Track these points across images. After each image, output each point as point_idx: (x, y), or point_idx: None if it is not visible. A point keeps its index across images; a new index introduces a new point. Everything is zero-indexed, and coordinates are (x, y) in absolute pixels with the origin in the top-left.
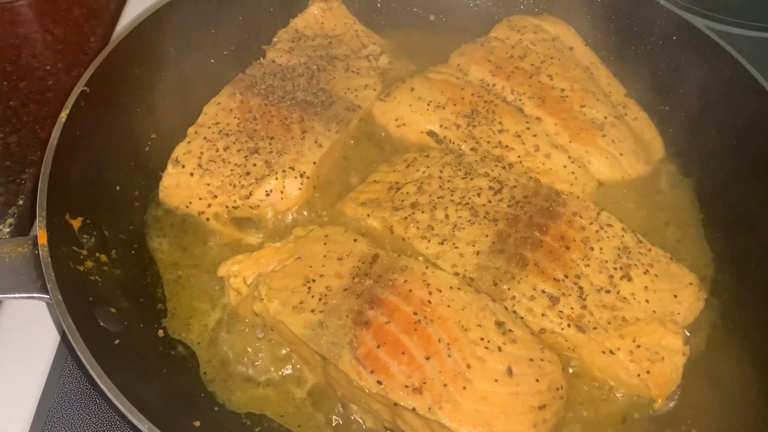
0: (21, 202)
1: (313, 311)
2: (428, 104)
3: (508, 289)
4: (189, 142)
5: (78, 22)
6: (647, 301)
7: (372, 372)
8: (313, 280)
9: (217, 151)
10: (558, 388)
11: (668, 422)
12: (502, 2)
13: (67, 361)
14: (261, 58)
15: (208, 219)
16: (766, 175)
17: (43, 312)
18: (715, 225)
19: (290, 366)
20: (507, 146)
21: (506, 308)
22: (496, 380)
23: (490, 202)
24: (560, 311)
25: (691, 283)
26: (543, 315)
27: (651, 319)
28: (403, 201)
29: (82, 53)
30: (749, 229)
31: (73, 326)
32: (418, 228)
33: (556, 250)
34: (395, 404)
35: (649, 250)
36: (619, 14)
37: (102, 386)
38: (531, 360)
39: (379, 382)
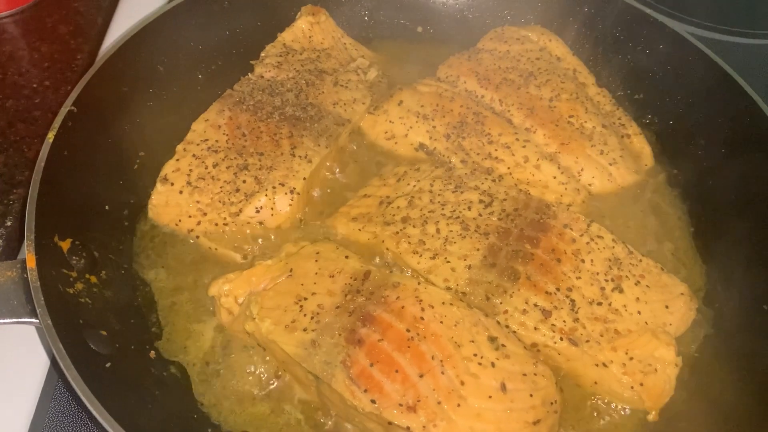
0: (9, 223)
1: (305, 330)
2: (417, 117)
3: (501, 303)
4: (178, 160)
5: (64, 39)
6: (639, 312)
7: (366, 391)
8: (305, 299)
9: (207, 168)
10: (552, 403)
11: None
12: (488, 13)
13: (58, 384)
14: (249, 74)
15: (197, 237)
16: (754, 184)
17: (33, 335)
18: (705, 234)
19: (284, 385)
20: (497, 158)
21: (499, 323)
22: (490, 396)
23: (480, 215)
24: (552, 324)
25: (682, 294)
26: (535, 329)
27: (643, 330)
28: (394, 215)
29: (69, 71)
30: (739, 238)
31: (64, 352)
32: (409, 243)
33: (548, 263)
34: (390, 423)
35: (640, 260)
36: (605, 24)
37: (94, 413)
38: (524, 375)
39: (373, 401)
